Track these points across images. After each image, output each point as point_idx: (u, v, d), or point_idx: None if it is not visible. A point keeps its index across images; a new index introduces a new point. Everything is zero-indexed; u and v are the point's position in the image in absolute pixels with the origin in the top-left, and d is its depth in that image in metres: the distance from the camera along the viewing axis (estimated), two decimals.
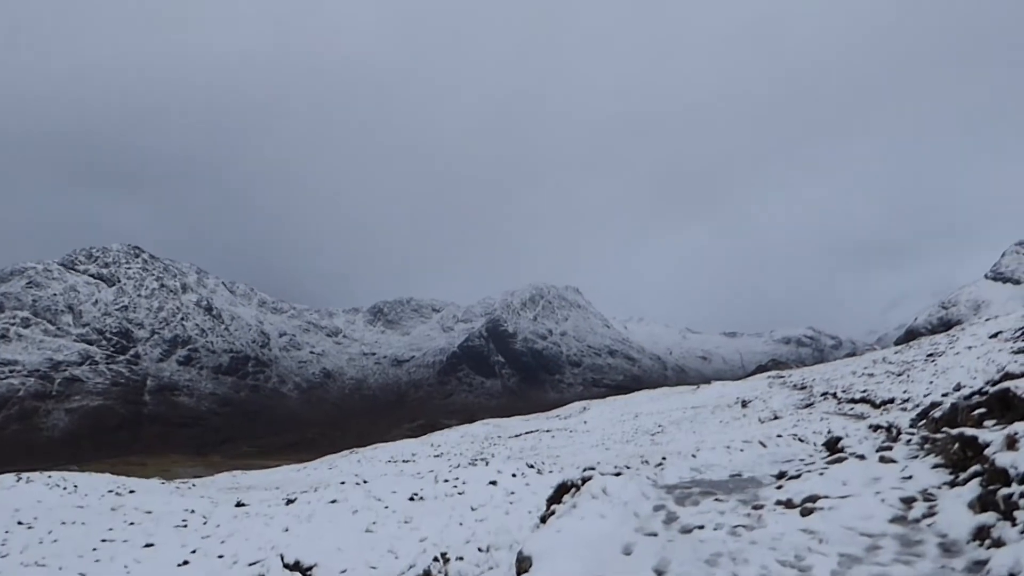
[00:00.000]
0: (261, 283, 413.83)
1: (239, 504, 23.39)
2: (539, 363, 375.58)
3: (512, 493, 18.78)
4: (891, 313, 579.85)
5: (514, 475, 21.69)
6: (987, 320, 49.48)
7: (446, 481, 21.54)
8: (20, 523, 21.58)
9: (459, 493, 19.58)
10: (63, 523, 21.59)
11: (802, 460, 14.48)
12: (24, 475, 31.55)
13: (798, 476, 10.03)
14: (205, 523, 20.20)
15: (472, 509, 17.02)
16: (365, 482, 24.51)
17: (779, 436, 23.86)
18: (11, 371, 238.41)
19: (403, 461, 43.93)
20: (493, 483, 20.47)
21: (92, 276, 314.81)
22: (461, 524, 15.51)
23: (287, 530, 17.57)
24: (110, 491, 28.55)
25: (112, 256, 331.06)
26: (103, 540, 18.67)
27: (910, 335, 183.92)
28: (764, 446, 20.35)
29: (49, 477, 31.17)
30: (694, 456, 19.06)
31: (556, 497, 11.74)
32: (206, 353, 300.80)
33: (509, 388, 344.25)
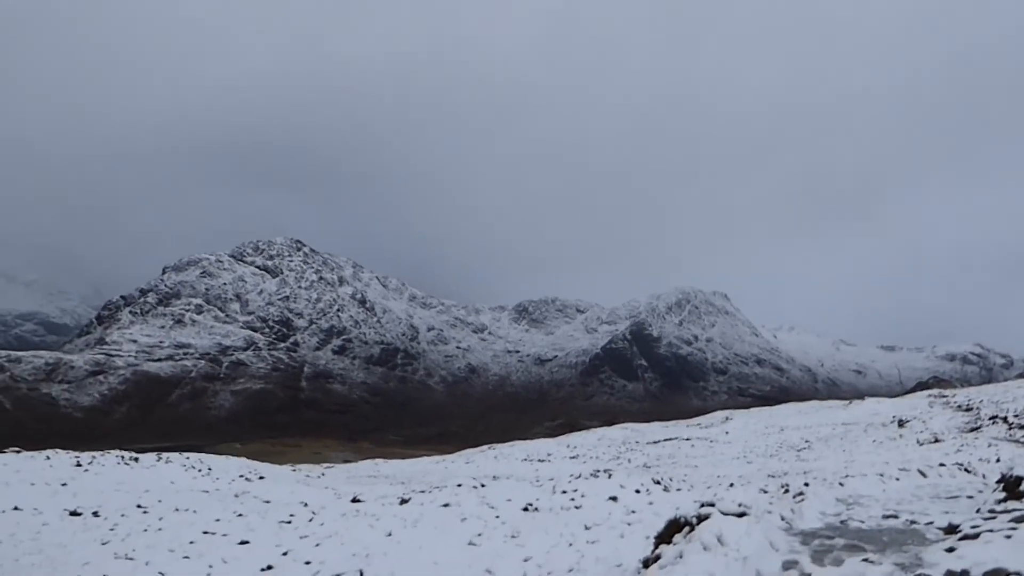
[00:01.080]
0: (412, 278, 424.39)
1: (354, 500, 22.61)
2: (683, 369, 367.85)
3: (632, 512, 16.94)
4: None
5: (637, 491, 20.17)
6: None
7: (563, 492, 20.24)
8: (139, 506, 21.56)
9: (576, 507, 18.16)
10: (176, 509, 21.40)
11: (970, 498, 12.83)
12: (165, 455, 32.56)
13: (975, 536, 7.60)
14: (311, 520, 19.56)
15: (586, 528, 15.57)
16: (483, 485, 23.12)
17: (942, 465, 20.98)
18: (185, 353, 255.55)
19: (538, 460, 43.37)
20: (613, 499, 18.96)
21: (258, 267, 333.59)
22: (571, 545, 14.19)
23: (390, 535, 16.78)
24: (241, 475, 28.96)
25: (276, 249, 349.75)
26: (204, 532, 18.31)
27: None
28: (924, 475, 18.19)
29: (187, 459, 31.97)
30: (841, 484, 17.02)
31: (666, 535, 10.31)
32: (359, 344, 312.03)
33: (651, 393, 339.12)
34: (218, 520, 19.16)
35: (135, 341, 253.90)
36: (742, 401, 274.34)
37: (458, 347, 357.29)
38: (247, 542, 16.78)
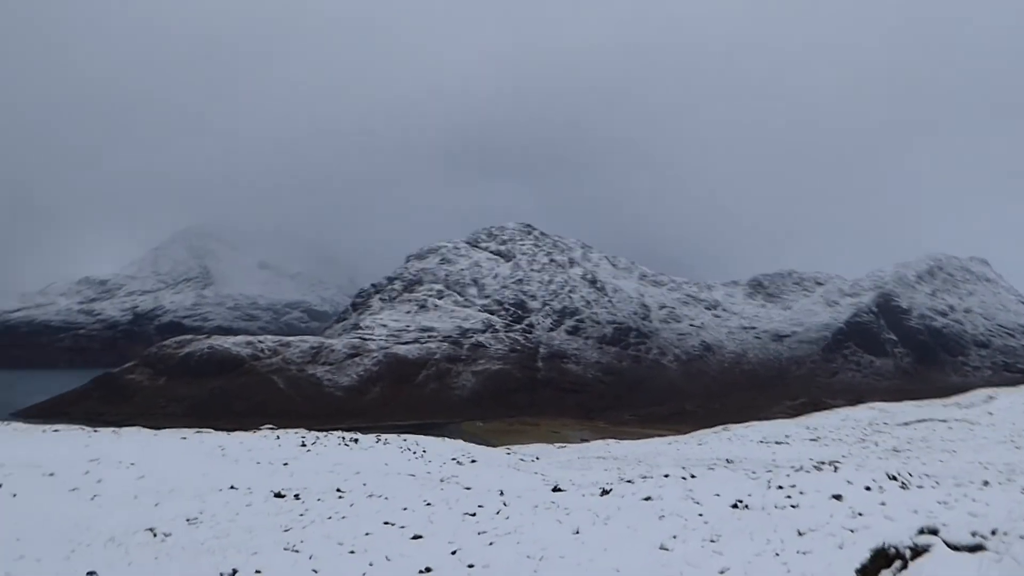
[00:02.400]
0: (641, 257, 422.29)
1: (555, 489, 21.67)
2: (938, 343, 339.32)
3: (859, 515, 14.44)
4: None
5: (868, 488, 17.28)
6: None
7: (780, 488, 17.94)
8: (338, 490, 21.59)
9: (792, 506, 16.03)
10: (370, 496, 21.06)
11: None
12: (384, 437, 34.05)
13: None
14: (499, 512, 18.52)
15: (799, 534, 13.43)
16: (692, 476, 21.19)
17: None
18: (429, 336, 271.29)
19: (775, 443, 42.41)
20: (837, 497, 16.39)
21: (492, 253, 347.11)
22: (777, 555, 12.36)
23: (577, 533, 15.56)
24: (453, 459, 29.37)
25: (508, 234, 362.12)
26: (385, 523, 17.66)
27: None
28: None
29: (404, 440, 32.94)
30: None
31: (872, 570, 8.78)
32: (591, 324, 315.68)
33: (902, 369, 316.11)
34: (405, 509, 18.90)
35: (385, 326, 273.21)
36: (1009, 377, 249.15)
37: (691, 324, 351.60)
38: (420, 536, 16.10)
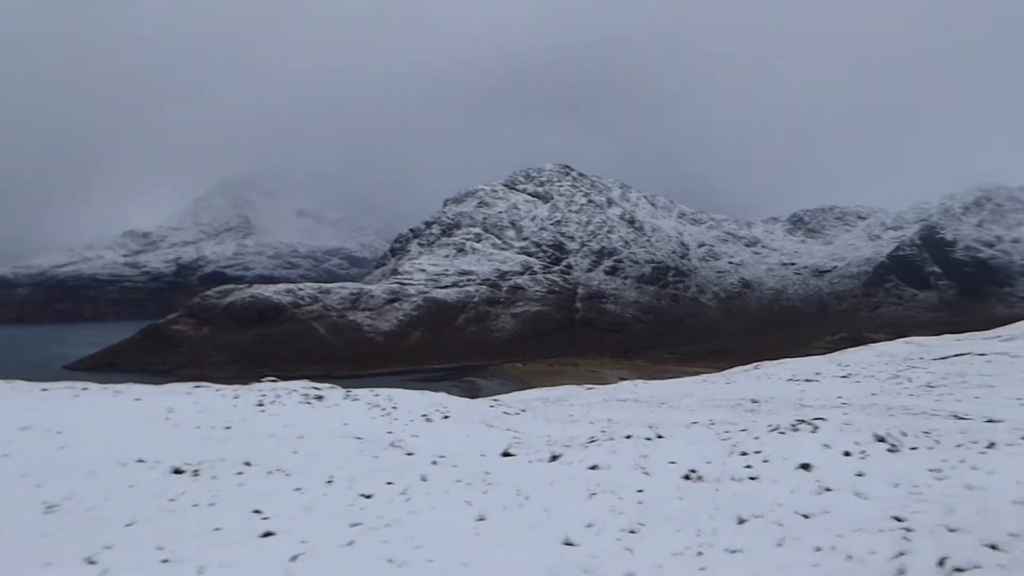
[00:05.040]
0: (680, 195, 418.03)
1: (505, 454, 18.78)
2: (984, 274, 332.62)
3: (825, 491, 12.00)
4: None
5: (848, 453, 14.32)
6: None
7: (743, 454, 15.17)
8: (247, 463, 17.62)
9: (751, 478, 13.51)
10: (270, 472, 17.21)
11: None
12: (353, 392, 28.70)
13: None
14: (402, 494, 15.12)
15: (739, 522, 11.06)
16: (659, 437, 18.01)
17: None
18: (468, 280, 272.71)
19: (805, 380, 42.30)
20: (806, 467, 13.69)
21: (530, 195, 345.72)
22: (700, 554, 9.90)
23: (482, 519, 12.89)
24: (423, 415, 24.94)
25: (546, 176, 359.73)
26: (254, 511, 13.88)
27: None
28: None
29: (376, 396, 28.01)
30: None
31: None
32: (629, 264, 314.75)
33: (946, 301, 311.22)
34: (297, 490, 15.58)
35: (423, 270, 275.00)
36: None
37: (730, 262, 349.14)
38: (272, 534, 12.73)
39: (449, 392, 37.77)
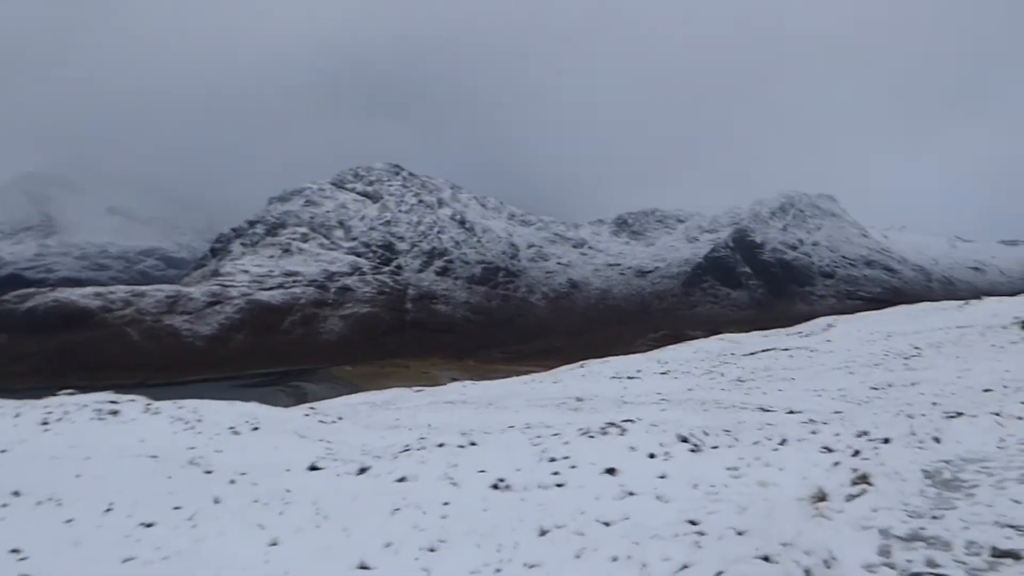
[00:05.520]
0: (510, 197, 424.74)
1: (312, 468, 14.22)
2: (788, 274, 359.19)
3: (629, 495, 11.83)
4: None
5: (652, 455, 14.28)
6: None
7: (552, 460, 14.64)
8: (15, 493, 15.12)
9: (558, 485, 13.16)
10: (41, 502, 14.88)
11: None
12: (154, 405, 24.88)
13: None
14: (190, 519, 13.45)
15: (541, 534, 10.52)
16: (472, 444, 16.76)
17: None
18: (294, 281, 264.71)
19: (627, 377, 43.20)
20: (611, 471, 13.42)
21: (359, 194, 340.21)
22: (498, 572, 9.65)
23: (274, 544, 11.72)
24: (230, 428, 22.13)
25: (375, 175, 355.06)
26: (13, 552, 11.54)
27: None
28: None
29: (179, 408, 24.32)
30: (937, 440, 12.37)
31: None
32: (460, 264, 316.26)
33: (756, 300, 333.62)
34: (69, 521, 13.36)
35: (247, 271, 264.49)
36: (851, 304, 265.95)
37: (558, 263, 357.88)
38: None
39: (276, 397, 35.48)
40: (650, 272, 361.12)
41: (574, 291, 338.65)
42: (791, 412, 25.68)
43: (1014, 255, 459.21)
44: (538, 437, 16.70)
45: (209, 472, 16.30)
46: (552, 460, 14.56)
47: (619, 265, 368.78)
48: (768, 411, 26.46)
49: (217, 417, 23.64)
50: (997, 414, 14.07)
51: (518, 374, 64.64)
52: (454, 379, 76.24)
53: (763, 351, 52.54)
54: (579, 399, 32.93)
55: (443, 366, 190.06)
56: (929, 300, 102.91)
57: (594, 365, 52.49)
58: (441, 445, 16.44)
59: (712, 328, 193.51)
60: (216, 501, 14.37)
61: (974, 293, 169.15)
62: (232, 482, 15.30)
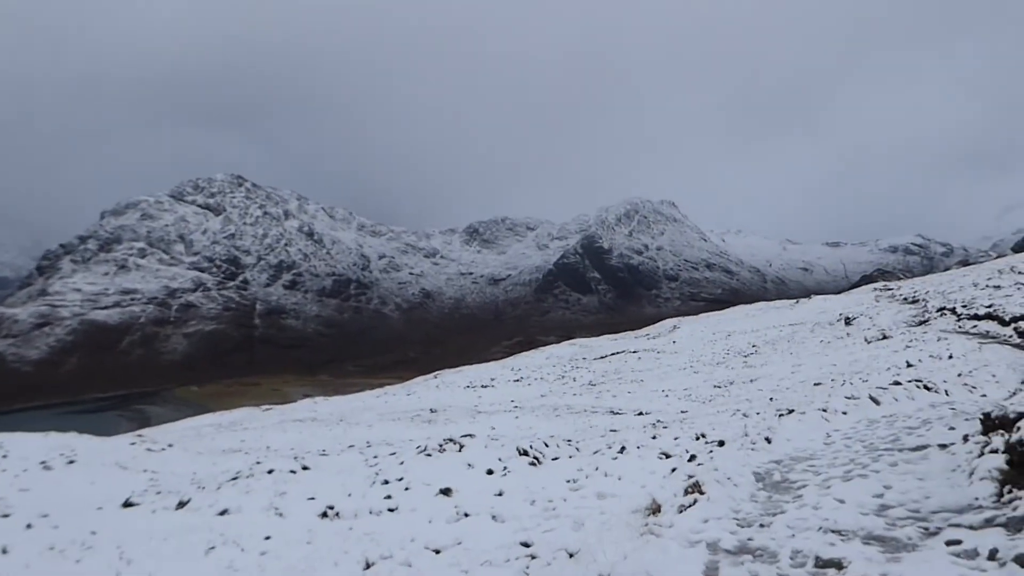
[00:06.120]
0: (360, 207, 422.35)
1: (126, 504, 14.13)
2: (635, 278, 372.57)
3: (464, 517, 11.15)
4: (1007, 218, 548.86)
5: (491, 471, 13.70)
6: None
7: (385, 483, 13.72)
8: None
9: (390, 509, 12.43)
10: None
11: (945, 444, 9.62)
12: None
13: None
14: None
15: (366, 567, 9.60)
16: (306, 468, 14.81)
17: (897, 384, 17.13)
18: (132, 299, 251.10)
19: (481, 386, 43.25)
20: (446, 492, 12.74)
21: (200, 206, 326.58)
22: None
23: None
24: (41, 462, 19.18)
25: (217, 186, 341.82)
26: None
27: None
28: (877, 403, 15.20)
29: None
30: (768, 441, 12.41)
31: None
32: (310, 277, 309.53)
33: (606, 304, 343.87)
34: None
35: (79, 290, 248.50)
36: (694, 306, 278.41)
37: (411, 273, 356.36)
38: None
39: (115, 423, 32.40)
40: (502, 280, 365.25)
41: (428, 301, 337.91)
42: (640, 414, 26.27)
43: (837, 255, 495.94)
44: (375, 457, 15.49)
45: (6, 516, 13.94)
46: (386, 483, 13.74)
47: (472, 274, 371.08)
48: (618, 414, 26.98)
49: (26, 451, 20.30)
50: (824, 410, 14.61)
51: (373, 387, 63.59)
52: (307, 395, 74.09)
53: (613, 354, 53.90)
54: (432, 410, 32.60)
55: (295, 383, 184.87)
56: (764, 299, 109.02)
57: (448, 375, 52.34)
58: (271, 471, 14.89)
59: (564, 333, 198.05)
60: (3, 552, 11.82)
61: (804, 292, 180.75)
62: (29, 527, 13.05)
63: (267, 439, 27.94)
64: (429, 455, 14.61)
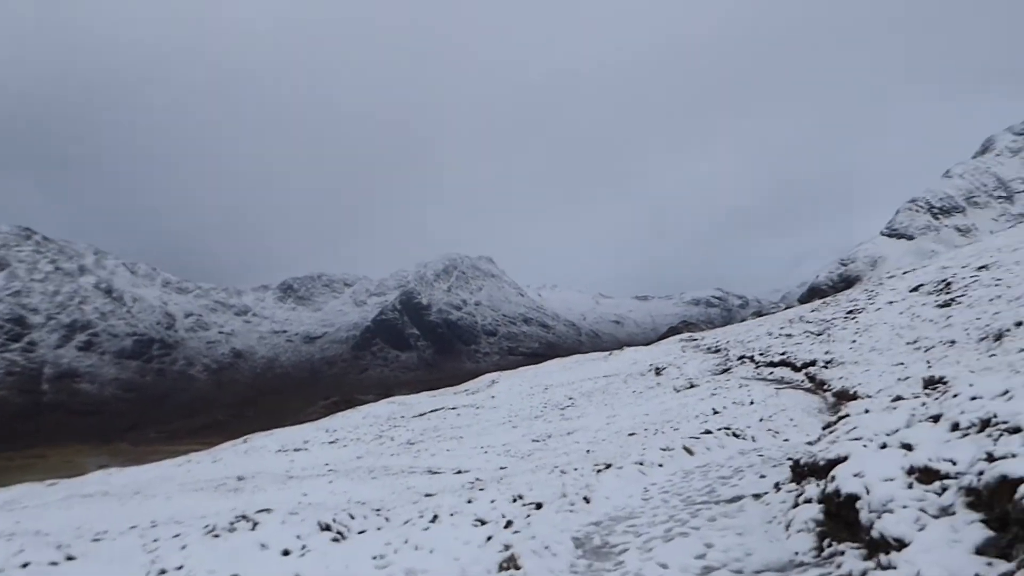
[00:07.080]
0: (164, 263, 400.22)
1: None
2: (454, 334, 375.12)
3: None
4: (794, 272, 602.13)
5: (287, 552, 11.63)
6: (906, 272, 48.95)
7: (162, 573, 11.09)
8: None
9: None
10: None
11: (758, 495, 9.88)
12: None
13: None
14: None
15: None
16: (70, 559, 11.33)
17: (708, 433, 17.91)
18: None
19: (294, 450, 41.17)
20: None
21: None
22: None
23: None
24: None
25: (1, 239, 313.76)
26: None
27: (813, 292, 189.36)
28: (691, 453, 15.68)
29: None
30: (587, 500, 12.18)
31: None
32: (107, 337, 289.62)
33: (425, 360, 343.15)
34: None
35: None
36: (512, 360, 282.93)
37: (220, 332, 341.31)
38: None
39: None
40: (319, 337, 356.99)
41: (239, 361, 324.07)
42: (459, 472, 25.60)
43: (646, 308, 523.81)
44: (155, 541, 13.44)
45: None
46: (162, 573, 11.13)
47: (286, 332, 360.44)
48: (436, 473, 26.16)
49: None
50: (640, 463, 14.63)
51: (178, 455, 59.33)
52: (103, 466, 67.96)
53: (432, 411, 53.13)
54: (240, 478, 30.48)
55: (91, 452, 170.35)
56: (580, 352, 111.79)
57: (259, 439, 49.55)
58: (25, 565, 12.22)
59: (383, 391, 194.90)
60: None
61: (616, 344, 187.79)
62: None
63: (45, 520, 24.92)
64: (217, 536, 12.52)
